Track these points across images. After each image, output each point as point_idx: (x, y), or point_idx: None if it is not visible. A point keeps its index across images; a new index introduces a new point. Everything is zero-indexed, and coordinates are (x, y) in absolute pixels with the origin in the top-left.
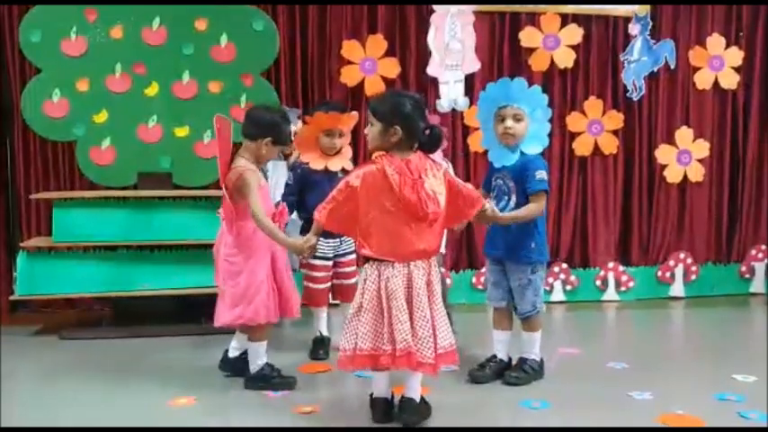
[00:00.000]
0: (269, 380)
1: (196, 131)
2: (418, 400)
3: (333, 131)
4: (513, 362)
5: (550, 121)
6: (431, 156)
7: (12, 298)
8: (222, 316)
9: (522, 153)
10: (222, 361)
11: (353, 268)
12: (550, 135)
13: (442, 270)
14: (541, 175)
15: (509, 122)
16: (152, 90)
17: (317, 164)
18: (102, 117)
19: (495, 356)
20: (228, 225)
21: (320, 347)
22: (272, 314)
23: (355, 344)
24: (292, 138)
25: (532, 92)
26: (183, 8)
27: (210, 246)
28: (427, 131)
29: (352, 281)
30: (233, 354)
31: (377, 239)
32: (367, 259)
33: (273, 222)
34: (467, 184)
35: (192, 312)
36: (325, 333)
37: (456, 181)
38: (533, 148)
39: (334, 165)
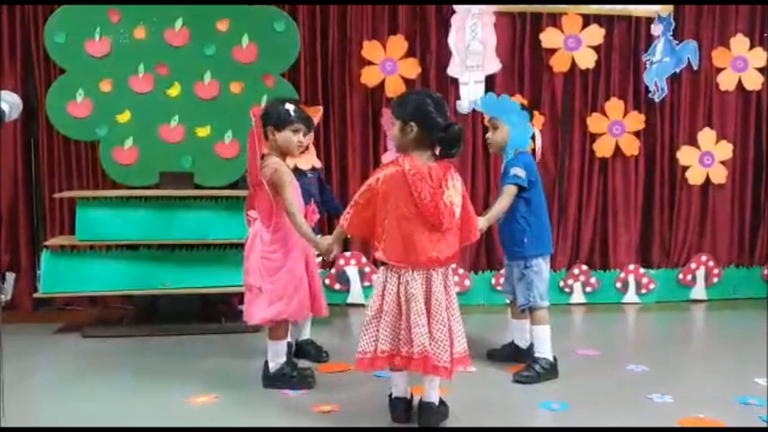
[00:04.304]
0: (288, 379)
1: (217, 132)
2: (437, 404)
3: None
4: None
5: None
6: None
7: (35, 296)
8: (259, 313)
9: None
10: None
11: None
12: (531, 132)
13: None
14: (515, 171)
15: (489, 134)
16: (174, 90)
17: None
18: (124, 117)
19: (512, 342)
20: (267, 221)
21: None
22: (308, 312)
23: (376, 346)
24: (291, 117)
25: (501, 101)
26: (205, 9)
27: (231, 245)
28: (446, 128)
29: None
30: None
31: (390, 244)
32: (384, 262)
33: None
34: (473, 210)
35: (213, 311)
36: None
37: (468, 201)
38: (510, 152)
39: (304, 163)
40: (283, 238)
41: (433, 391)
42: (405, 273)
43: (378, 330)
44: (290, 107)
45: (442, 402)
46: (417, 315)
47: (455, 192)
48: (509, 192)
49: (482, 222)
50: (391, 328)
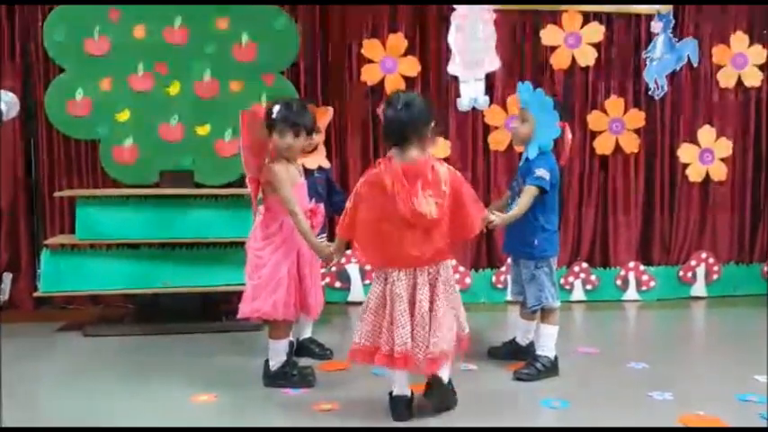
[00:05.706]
0: (289, 377)
1: (217, 130)
2: (446, 381)
3: None
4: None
5: (561, 123)
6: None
7: (36, 294)
8: (243, 308)
9: (536, 155)
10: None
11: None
12: (557, 134)
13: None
14: (540, 172)
15: (515, 123)
16: (174, 89)
17: None
18: (124, 116)
19: (513, 340)
20: (254, 216)
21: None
22: (291, 312)
23: (359, 340)
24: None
25: (536, 94)
26: (204, 8)
27: (231, 244)
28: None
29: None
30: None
31: (371, 246)
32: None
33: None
34: (473, 205)
35: (214, 310)
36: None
37: (464, 197)
38: (533, 150)
39: (311, 162)
40: (272, 236)
41: (444, 370)
42: (391, 272)
43: (362, 326)
44: (275, 109)
45: (452, 389)
46: (401, 314)
47: (435, 189)
48: (531, 193)
49: (497, 219)
50: (372, 326)
